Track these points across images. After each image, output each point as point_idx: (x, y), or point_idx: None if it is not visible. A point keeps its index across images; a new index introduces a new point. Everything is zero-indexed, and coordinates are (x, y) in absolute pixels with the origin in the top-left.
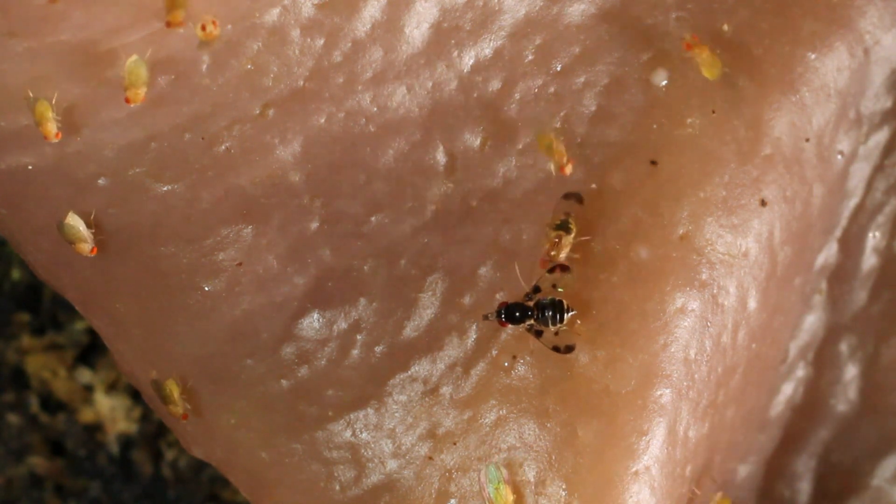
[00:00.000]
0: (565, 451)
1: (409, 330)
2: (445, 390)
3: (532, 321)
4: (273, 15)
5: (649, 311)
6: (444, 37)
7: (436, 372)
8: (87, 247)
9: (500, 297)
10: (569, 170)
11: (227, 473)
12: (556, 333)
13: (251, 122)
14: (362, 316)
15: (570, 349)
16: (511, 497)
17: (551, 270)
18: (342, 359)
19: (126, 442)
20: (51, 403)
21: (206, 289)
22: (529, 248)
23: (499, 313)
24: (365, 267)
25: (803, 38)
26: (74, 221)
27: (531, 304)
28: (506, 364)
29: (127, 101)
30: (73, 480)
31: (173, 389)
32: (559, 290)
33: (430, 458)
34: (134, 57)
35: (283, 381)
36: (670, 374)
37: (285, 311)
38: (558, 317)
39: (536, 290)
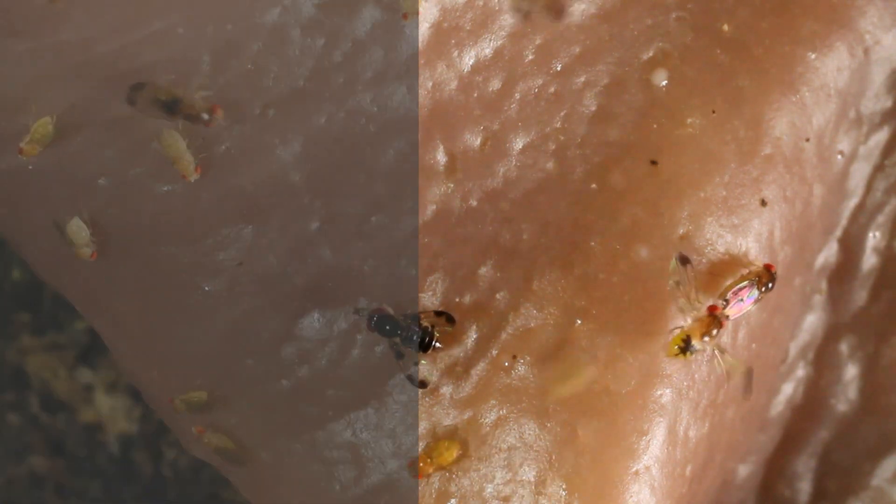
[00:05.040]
0: (565, 451)
1: None
2: (445, 390)
3: (397, 339)
4: (273, 15)
5: (649, 311)
6: (444, 37)
7: (436, 372)
8: (88, 251)
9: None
10: None
11: (227, 473)
12: (416, 364)
13: (251, 122)
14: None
15: (423, 385)
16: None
17: (439, 314)
18: (342, 359)
19: (126, 442)
20: (51, 403)
21: (207, 289)
22: (529, 248)
23: (371, 317)
24: (365, 267)
25: (803, 38)
26: (78, 227)
27: (405, 324)
28: (506, 364)
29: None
30: (73, 480)
31: (200, 397)
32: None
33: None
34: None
35: (284, 381)
36: (670, 374)
37: (285, 311)
38: (424, 341)
39: (415, 317)
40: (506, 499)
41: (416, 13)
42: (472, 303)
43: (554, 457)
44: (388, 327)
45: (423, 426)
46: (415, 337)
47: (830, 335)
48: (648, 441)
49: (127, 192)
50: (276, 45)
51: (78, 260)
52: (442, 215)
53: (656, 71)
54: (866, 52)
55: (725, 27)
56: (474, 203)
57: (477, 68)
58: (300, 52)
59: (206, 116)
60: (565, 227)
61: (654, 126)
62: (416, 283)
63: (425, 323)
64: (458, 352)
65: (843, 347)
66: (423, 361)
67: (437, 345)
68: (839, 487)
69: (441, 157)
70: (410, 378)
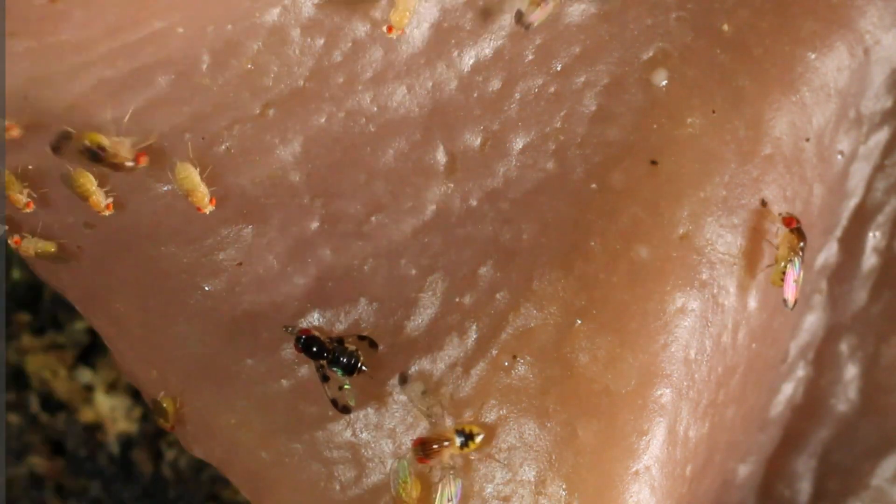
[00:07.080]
0: (565, 451)
1: (409, 330)
2: (445, 390)
3: (324, 362)
4: (273, 15)
5: (649, 311)
6: (444, 37)
7: (436, 372)
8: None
9: (306, 324)
10: None
11: (227, 473)
12: (341, 388)
13: (251, 122)
14: (362, 316)
15: (346, 410)
16: (416, 492)
17: (361, 338)
18: None
19: (126, 442)
20: (51, 403)
21: (206, 289)
22: (529, 248)
23: (298, 338)
24: (365, 267)
25: (803, 38)
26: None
27: (331, 346)
28: (506, 364)
29: (198, 209)
30: (73, 480)
31: (169, 405)
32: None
33: None
34: (181, 163)
35: (284, 381)
36: (670, 374)
37: (285, 311)
38: (352, 363)
39: (340, 341)
40: (506, 499)
41: (402, 29)
42: (472, 303)
43: (554, 457)
44: (314, 349)
45: (423, 426)
46: (342, 359)
47: (830, 335)
48: (648, 441)
49: (127, 192)
50: (276, 45)
51: (77, 259)
52: (442, 215)
53: (656, 71)
54: (866, 52)
55: (725, 27)
56: (474, 203)
57: (477, 68)
58: (300, 52)
59: (130, 164)
60: (565, 227)
61: (654, 126)
62: (416, 283)
63: (350, 346)
64: (458, 352)
65: (843, 347)
66: (346, 386)
67: (363, 368)
68: (839, 487)
69: (441, 157)
70: (335, 402)
